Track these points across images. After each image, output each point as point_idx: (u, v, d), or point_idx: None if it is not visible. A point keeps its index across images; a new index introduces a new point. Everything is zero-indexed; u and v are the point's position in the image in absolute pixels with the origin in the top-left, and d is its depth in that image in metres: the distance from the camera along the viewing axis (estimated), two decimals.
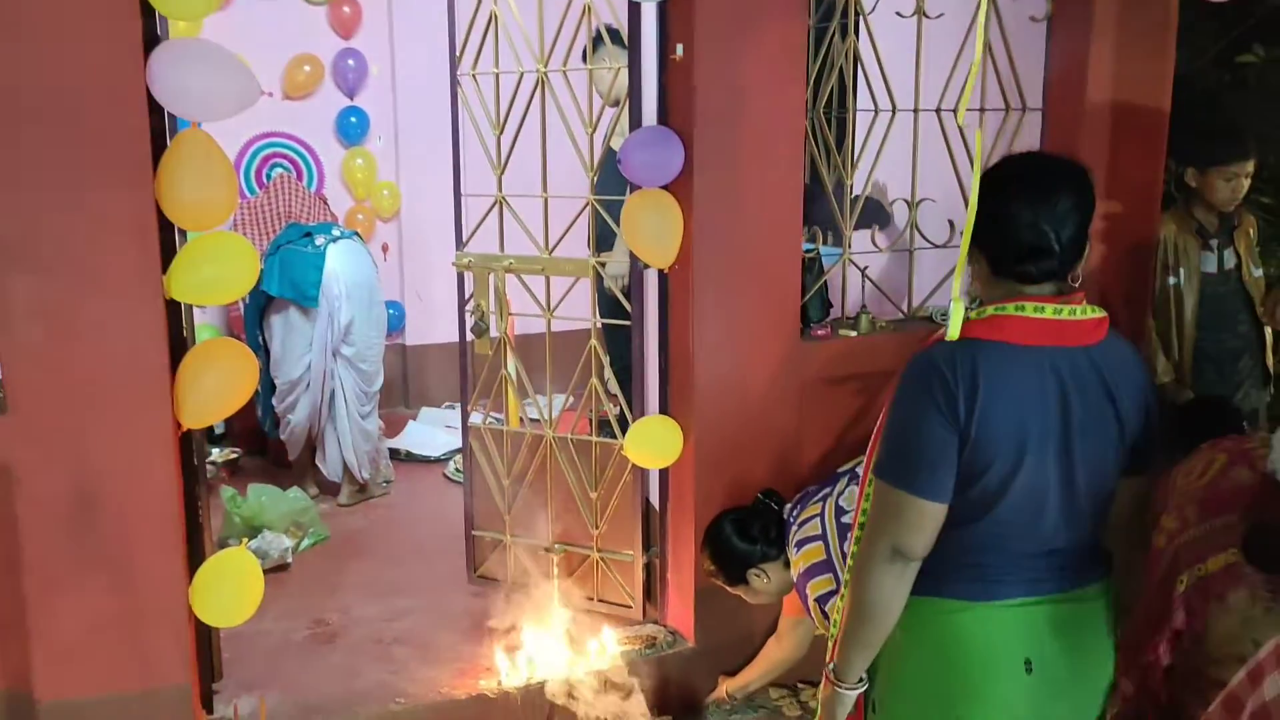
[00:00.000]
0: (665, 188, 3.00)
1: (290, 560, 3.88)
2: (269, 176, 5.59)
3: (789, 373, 3.16)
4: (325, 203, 5.50)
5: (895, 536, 1.69)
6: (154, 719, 2.61)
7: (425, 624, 3.39)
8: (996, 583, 1.75)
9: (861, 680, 1.82)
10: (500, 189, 3.35)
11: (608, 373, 3.29)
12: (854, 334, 3.31)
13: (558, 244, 3.30)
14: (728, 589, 2.92)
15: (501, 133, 3.33)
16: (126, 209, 2.44)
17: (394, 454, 5.07)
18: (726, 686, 3.12)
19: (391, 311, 5.94)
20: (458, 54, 3.36)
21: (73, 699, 2.54)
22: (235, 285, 2.62)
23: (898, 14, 3.31)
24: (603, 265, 3.26)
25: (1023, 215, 1.69)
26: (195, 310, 5.43)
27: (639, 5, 3.00)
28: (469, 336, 3.48)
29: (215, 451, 5.01)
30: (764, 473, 3.12)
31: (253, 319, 4.47)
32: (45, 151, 2.35)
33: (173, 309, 2.61)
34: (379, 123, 5.86)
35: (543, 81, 3.20)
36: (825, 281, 3.39)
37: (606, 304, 3.35)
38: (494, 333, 3.42)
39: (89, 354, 2.44)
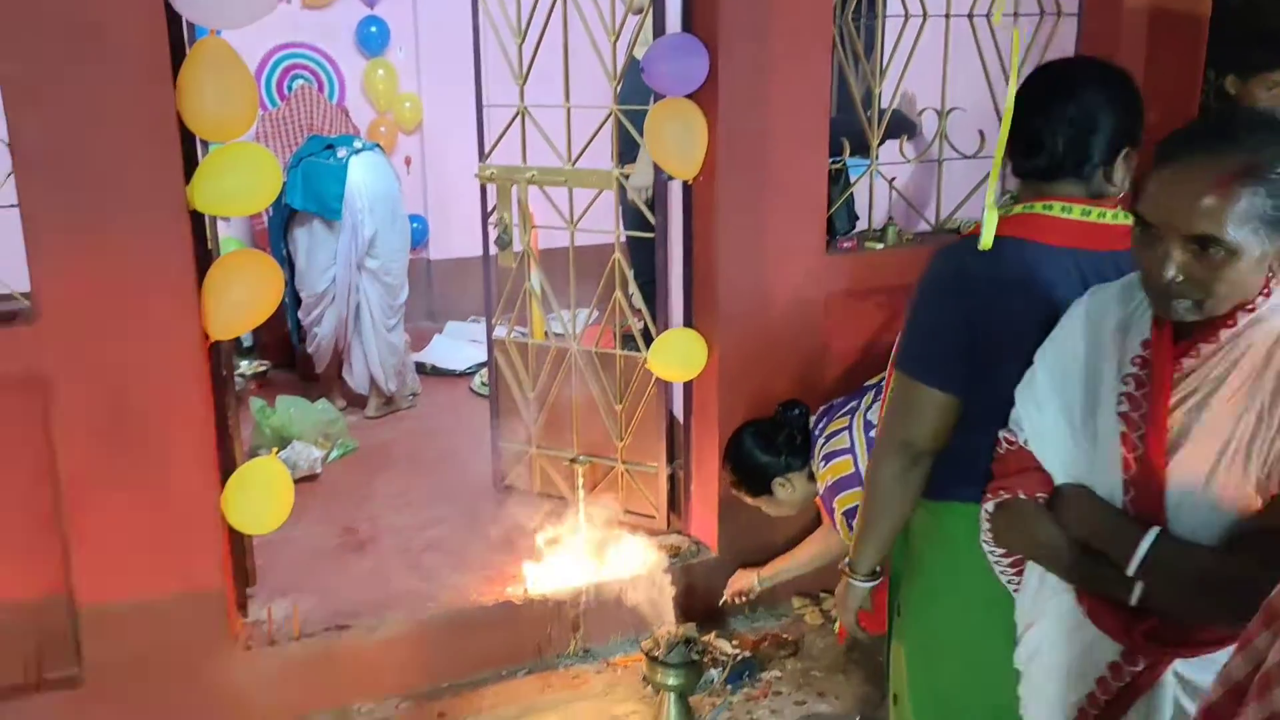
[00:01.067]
0: (689, 96, 2.95)
1: (320, 470, 3.94)
2: (290, 88, 5.55)
3: (814, 286, 3.15)
4: (347, 115, 5.48)
5: (906, 428, 1.71)
6: (191, 622, 2.68)
7: (453, 533, 3.45)
8: None
9: (875, 574, 1.87)
10: (522, 99, 3.31)
11: (631, 286, 3.28)
12: (880, 246, 3.28)
13: (580, 155, 3.27)
14: (750, 500, 2.93)
15: (523, 42, 3.27)
16: (147, 119, 2.43)
17: (420, 368, 5.12)
18: (758, 573, 3.12)
19: (415, 225, 5.94)
20: None
21: (111, 603, 2.61)
22: (258, 196, 2.61)
23: None
24: (626, 177, 3.23)
25: (1022, 110, 1.66)
26: (220, 224, 5.48)
27: None
28: (492, 250, 3.48)
29: (244, 364, 5.07)
30: (788, 386, 3.12)
31: (277, 232, 4.47)
32: (65, 63, 2.33)
33: (197, 220, 2.61)
34: (400, 33, 5.79)
35: None
36: (851, 194, 3.35)
37: (630, 216, 3.33)
38: (517, 246, 3.41)
39: (115, 265, 2.45)
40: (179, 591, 2.67)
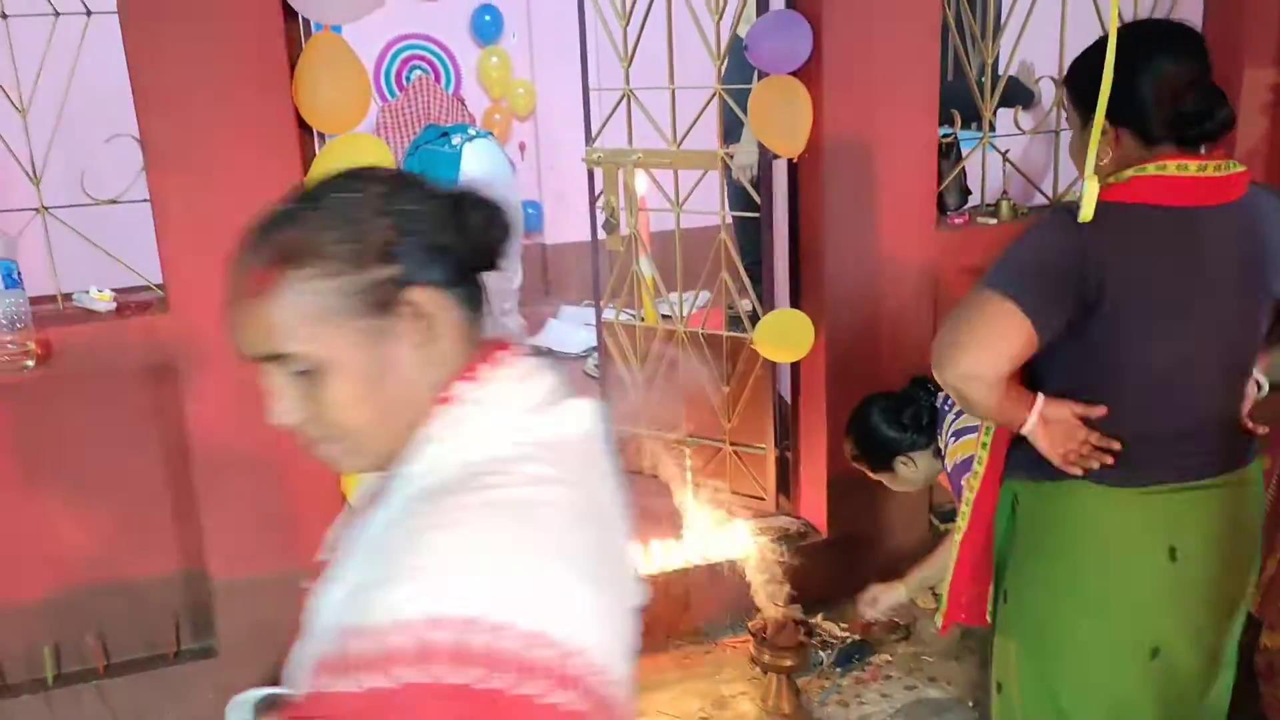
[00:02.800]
0: (793, 74, 2.94)
1: None
2: (408, 79, 5.70)
3: (924, 263, 3.11)
4: (462, 103, 5.60)
5: (967, 345, 1.58)
6: None
7: None
8: (1138, 467, 1.67)
9: None
10: (627, 82, 3.34)
11: (738, 266, 3.29)
12: (993, 221, 3.21)
13: (685, 136, 3.29)
14: (870, 475, 2.89)
15: (628, 24, 3.31)
16: (267, 113, 2.54)
17: (538, 351, 5.21)
18: (904, 585, 3.06)
19: (530, 210, 6.07)
20: None
21: (242, 578, 2.76)
22: None
23: None
24: (731, 157, 3.23)
25: (1180, 76, 1.61)
26: None
27: None
28: (600, 233, 3.53)
29: None
30: (899, 365, 3.07)
31: None
32: (189, 59, 2.45)
33: None
34: (513, 20, 5.89)
35: None
36: (963, 167, 3.29)
37: (736, 197, 3.34)
38: (624, 229, 3.45)
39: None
40: (303, 567, 2.80)
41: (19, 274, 2.43)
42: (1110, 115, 1.60)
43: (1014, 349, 1.57)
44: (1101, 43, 1.63)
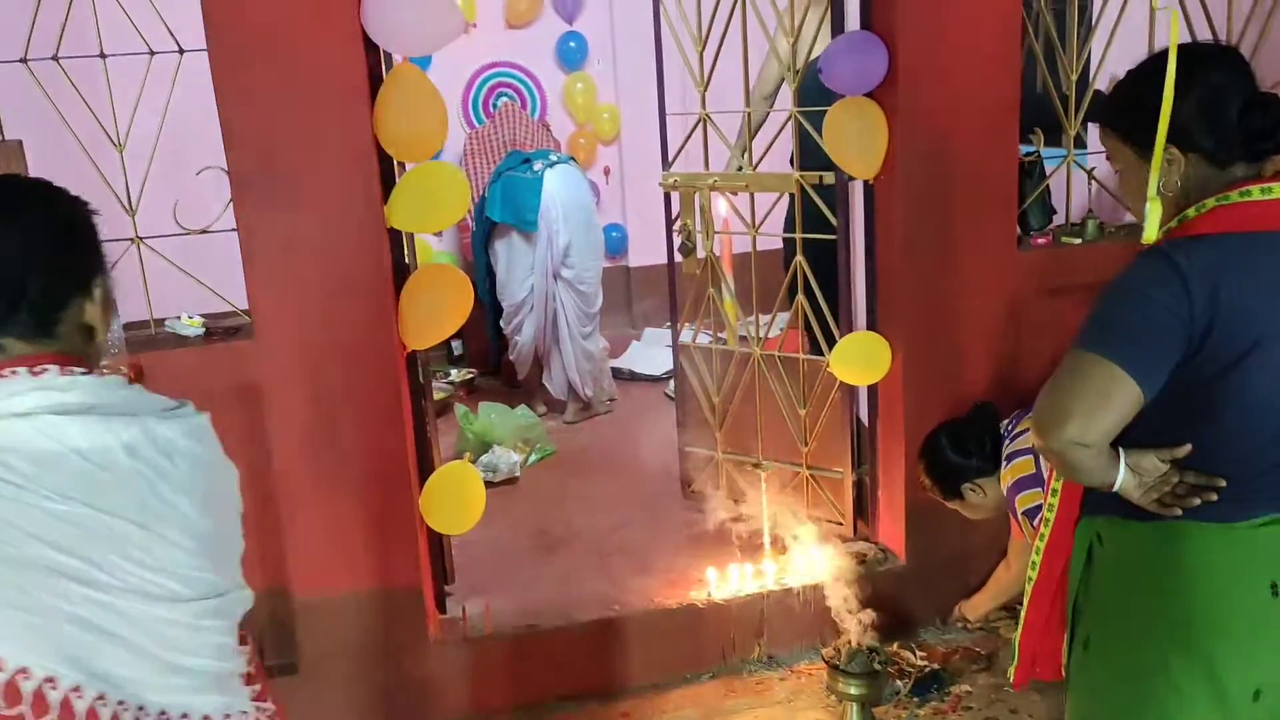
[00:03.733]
0: (869, 95, 2.92)
1: (519, 474, 4.12)
2: (495, 105, 5.81)
3: (1005, 284, 3.05)
4: (548, 129, 5.69)
5: (1074, 412, 1.52)
6: (393, 616, 2.87)
7: (642, 536, 3.53)
8: (1237, 500, 1.60)
9: None
10: (703, 106, 3.36)
11: (814, 288, 3.28)
12: (1078, 242, 3.14)
13: (761, 159, 3.29)
14: (944, 503, 2.88)
15: (703, 48, 3.33)
16: (348, 143, 2.62)
17: (618, 373, 5.26)
18: (965, 613, 3.10)
19: (614, 234, 6.12)
20: None
21: (322, 597, 2.83)
22: (448, 213, 2.78)
23: None
24: (813, 183, 3.22)
25: (1242, 92, 1.56)
26: (431, 238, 5.80)
27: None
28: (677, 256, 3.54)
29: (453, 372, 5.36)
30: (978, 389, 3.04)
31: (480, 244, 4.72)
32: (274, 93, 2.54)
33: (395, 236, 2.80)
34: (598, 46, 5.96)
35: None
36: (1047, 186, 3.22)
37: (812, 219, 3.32)
38: (700, 252, 3.46)
39: (321, 281, 2.65)
40: (382, 587, 2.87)
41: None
42: (1173, 139, 1.55)
43: (1122, 414, 1.53)
44: (1144, 70, 1.59)
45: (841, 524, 3.36)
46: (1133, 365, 1.50)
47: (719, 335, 3.65)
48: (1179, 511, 1.60)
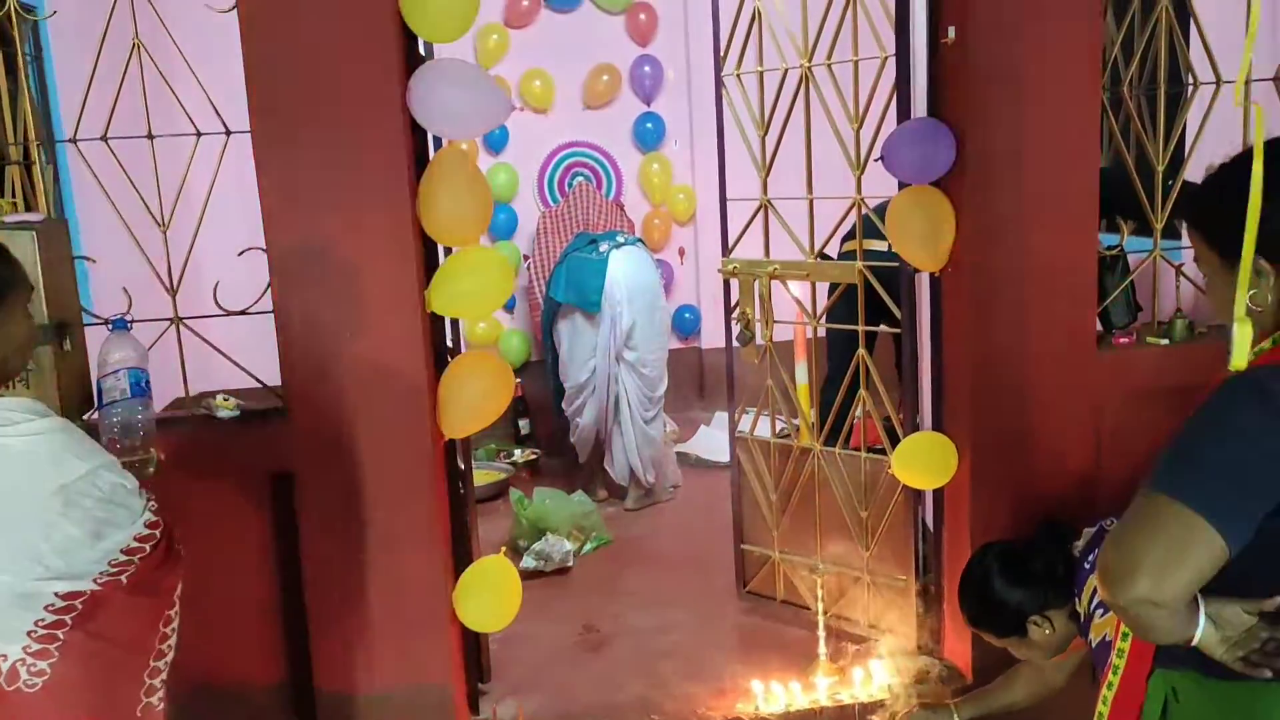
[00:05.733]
0: (934, 183, 2.77)
1: (572, 563, 3.97)
2: (570, 185, 5.78)
3: (1084, 387, 2.82)
4: (621, 209, 5.62)
5: (1145, 567, 1.30)
6: (421, 716, 2.73)
7: (692, 638, 3.34)
8: None
9: None
10: (765, 192, 3.24)
11: (876, 382, 3.10)
12: (1165, 343, 2.90)
13: (823, 247, 3.14)
14: (994, 641, 2.51)
15: (766, 133, 3.21)
16: (390, 225, 2.55)
17: (684, 459, 5.09)
18: (955, 708, 2.74)
19: (687, 315, 6.01)
20: (722, 54, 3.28)
21: (348, 692, 2.70)
22: (491, 299, 2.69)
23: None
24: (870, 269, 3.06)
25: None
26: (503, 316, 5.75)
27: None
28: (735, 345, 3.40)
29: (516, 452, 5.26)
30: (1052, 500, 2.80)
31: (546, 325, 4.64)
32: (316, 171, 2.49)
33: (436, 321, 2.71)
34: (675, 127, 5.91)
35: (806, 77, 3.06)
36: (1131, 282, 3.00)
37: (874, 309, 3.16)
38: (760, 340, 3.31)
39: (357, 366, 2.58)
40: (411, 684, 2.73)
41: (147, 383, 2.49)
42: (1263, 251, 1.36)
43: (1202, 570, 1.31)
44: (1233, 167, 1.40)
45: (903, 636, 3.12)
46: (1216, 514, 1.29)
47: (790, 421, 3.43)
48: (1268, 673, 1.38)
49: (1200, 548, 1.29)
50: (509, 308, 5.83)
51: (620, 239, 4.49)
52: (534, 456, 5.23)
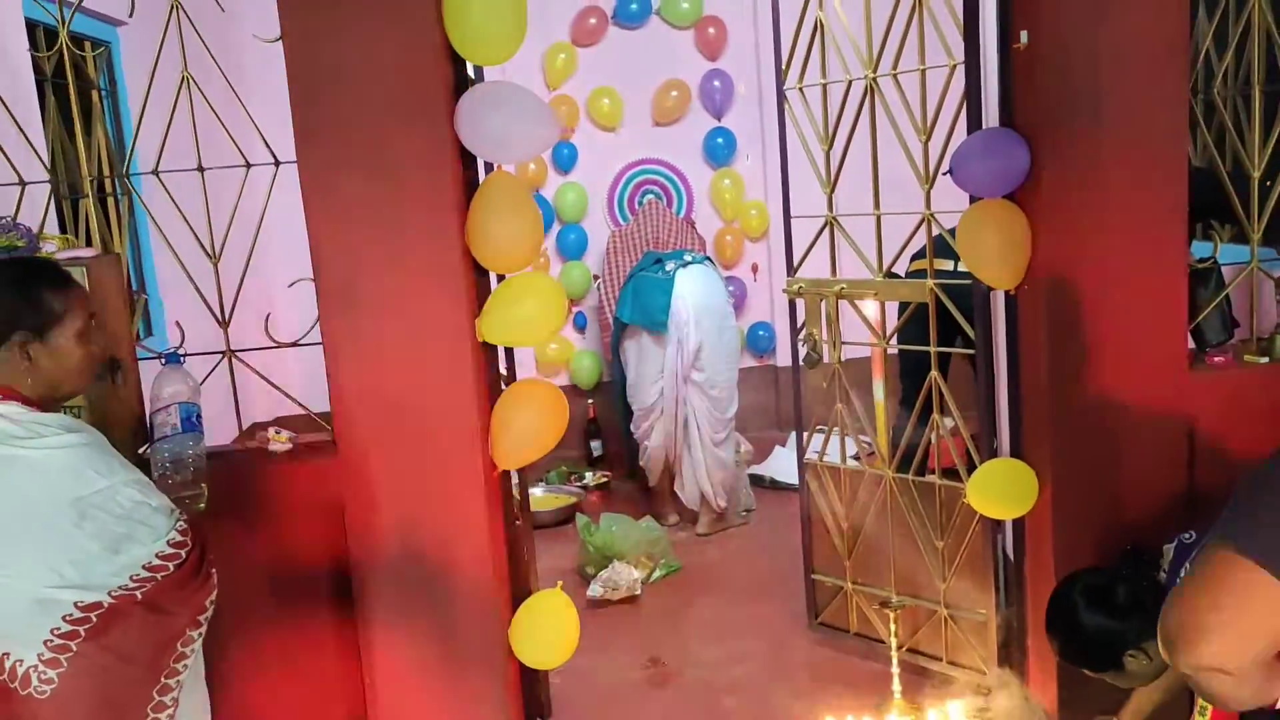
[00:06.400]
0: (1009, 196, 2.61)
1: (639, 591, 3.87)
2: (641, 203, 5.70)
3: (1175, 408, 2.63)
4: (692, 226, 5.52)
5: (1211, 631, 1.17)
6: None
7: (759, 672, 3.22)
8: None
9: None
10: (831, 208, 3.11)
11: (949, 403, 2.94)
12: (1264, 361, 2.70)
13: (892, 264, 3.00)
14: (1090, 674, 2.42)
15: (831, 147, 3.09)
16: (438, 254, 2.49)
17: (758, 481, 4.97)
18: None
19: (761, 333, 5.87)
20: (785, 66, 3.17)
21: None
22: (544, 326, 2.60)
23: None
24: (941, 288, 2.91)
25: None
26: (574, 336, 5.70)
27: None
28: (802, 366, 3.28)
29: (588, 475, 5.19)
30: (1143, 529, 2.61)
31: (614, 346, 4.56)
32: (364, 199, 2.44)
33: (489, 349, 2.65)
34: (746, 142, 5.80)
35: (871, 88, 2.93)
36: (1227, 296, 2.80)
37: (947, 328, 3.00)
38: (827, 360, 3.18)
39: (407, 396, 2.52)
40: None
41: (198, 417, 2.46)
42: None
43: (1272, 637, 1.17)
44: None
45: (985, 673, 2.95)
46: None
47: (862, 442, 3.28)
48: None
49: (1273, 611, 1.15)
50: (579, 327, 5.78)
51: (687, 257, 4.39)
52: (605, 479, 5.15)
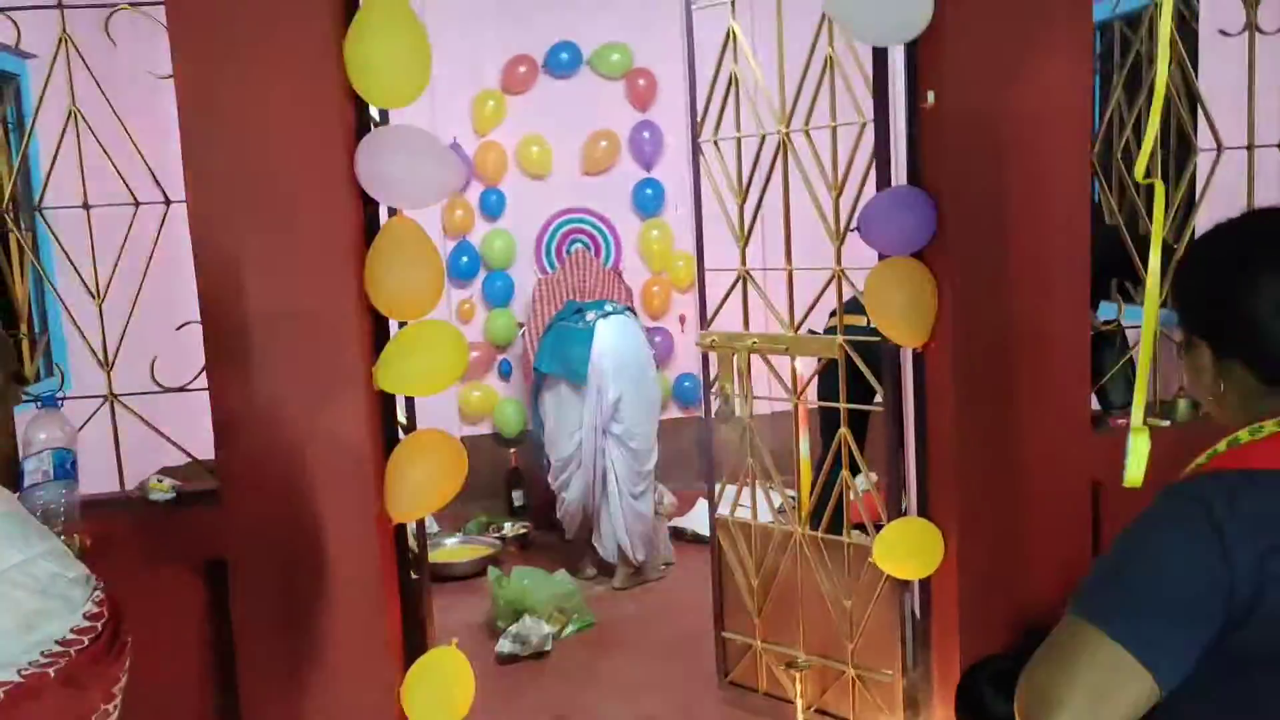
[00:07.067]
0: (916, 254, 2.60)
1: (549, 647, 3.76)
2: (569, 251, 5.66)
3: (1078, 470, 2.62)
4: (620, 276, 5.49)
5: (1063, 703, 1.12)
6: None
7: None
8: None
9: None
10: (743, 263, 3.09)
11: (858, 461, 2.91)
12: (1167, 424, 2.70)
13: (803, 321, 2.98)
14: None
15: (745, 200, 3.07)
16: (336, 298, 2.41)
17: (680, 534, 4.90)
18: None
19: (687, 384, 5.83)
20: (699, 119, 3.15)
21: None
22: (443, 375, 2.52)
23: (1221, 32, 2.72)
24: (854, 345, 2.89)
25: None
26: (498, 384, 5.61)
27: (884, 51, 2.65)
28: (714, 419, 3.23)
29: (507, 526, 5.08)
30: (1050, 591, 2.59)
31: (534, 396, 4.48)
32: (256, 241, 2.36)
33: (387, 399, 2.56)
34: (675, 192, 5.79)
35: (785, 143, 2.92)
36: (1131, 357, 2.81)
37: (855, 386, 2.98)
38: (739, 413, 3.14)
39: (298, 443, 2.42)
40: None
41: (73, 464, 2.34)
42: (1211, 338, 1.19)
43: (1128, 710, 1.12)
44: (1207, 239, 1.24)
45: None
46: (1143, 647, 1.10)
47: (789, 496, 3.23)
48: None
49: (1125, 685, 1.11)
50: (504, 374, 5.70)
51: (608, 308, 4.35)
52: (524, 530, 5.05)
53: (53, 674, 1.57)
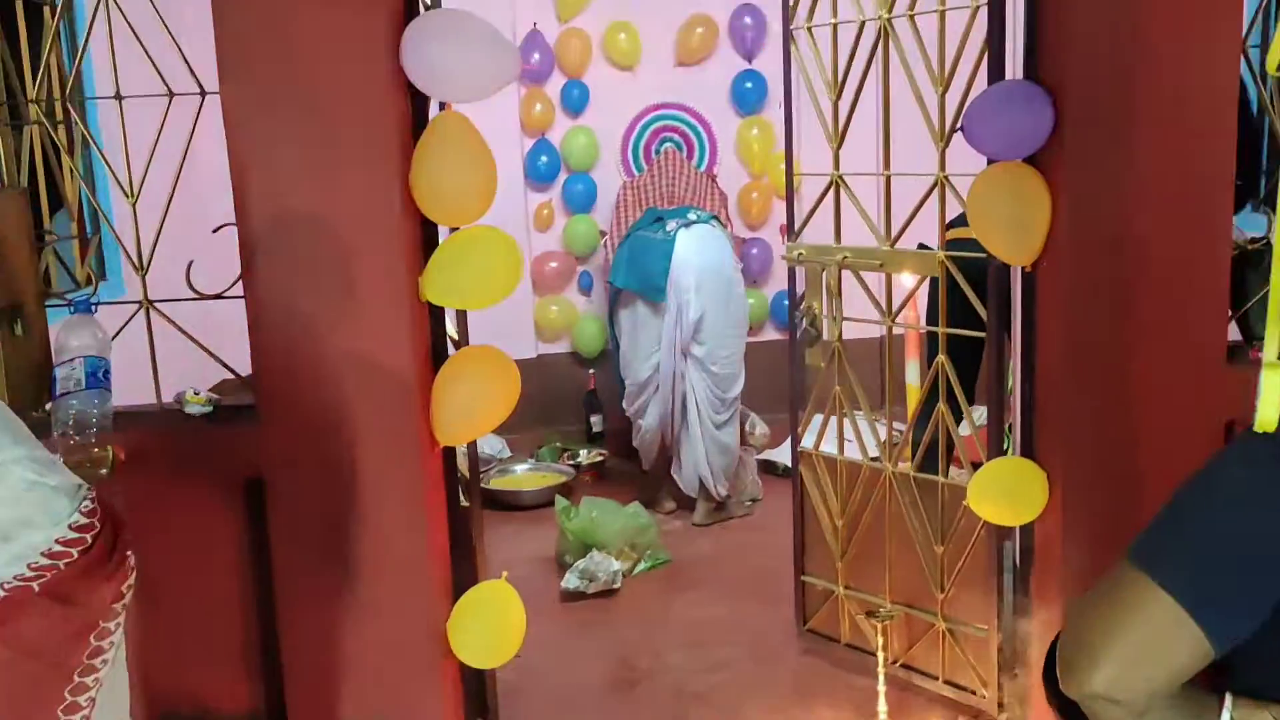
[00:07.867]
0: (1028, 159, 2.52)
1: (618, 585, 3.84)
2: (657, 152, 5.63)
3: (1210, 408, 2.54)
4: (714, 181, 5.43)
5: (1106, 656, 1.14)
6: None
7: (736, 683, 3.19)
8: None
9: None
10: (836, 166, 3.03)
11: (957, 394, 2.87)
12: None
13: (901, 233, 2.92)
14: None
15: (839, 96, 3.01)
16: (379, 202, 2.44)
17: (770, 467, 4.91)
18: None
19: (786, 302, 5.78)
20: (793, 3, 3.08)
21: None
22: (496, 286, 2.56)
23: None
24: (959, 262, 2.84)
25: None
26: (578, 299, 5.66)
27: None
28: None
29: (582, 453, 5.16)
30: None
31: (609, 313, 4.51)
32: (294, 137, 2.38)
33: (434, 312, 2.61)
34: (779, 88, 5.68)
35: (885, 29, 2.84)
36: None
37: (958, 309, 2.92)
38: (826, 337, 3.12)
39: (339, 359, 2.48)
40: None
41: (106, 373, 2.45)
42: None
43: (1176, 668, 1.13)
44: None
45: (983, 695, 2.89)
46: (1201, 606, 1.10)
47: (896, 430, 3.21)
48: None
49: (1177, 644, 1.13)
50: (584, 289, 5.73)
51: (691, 215, 4.32)
52: (601, 458, 5.12)
53: (38, 588, 1.63)
